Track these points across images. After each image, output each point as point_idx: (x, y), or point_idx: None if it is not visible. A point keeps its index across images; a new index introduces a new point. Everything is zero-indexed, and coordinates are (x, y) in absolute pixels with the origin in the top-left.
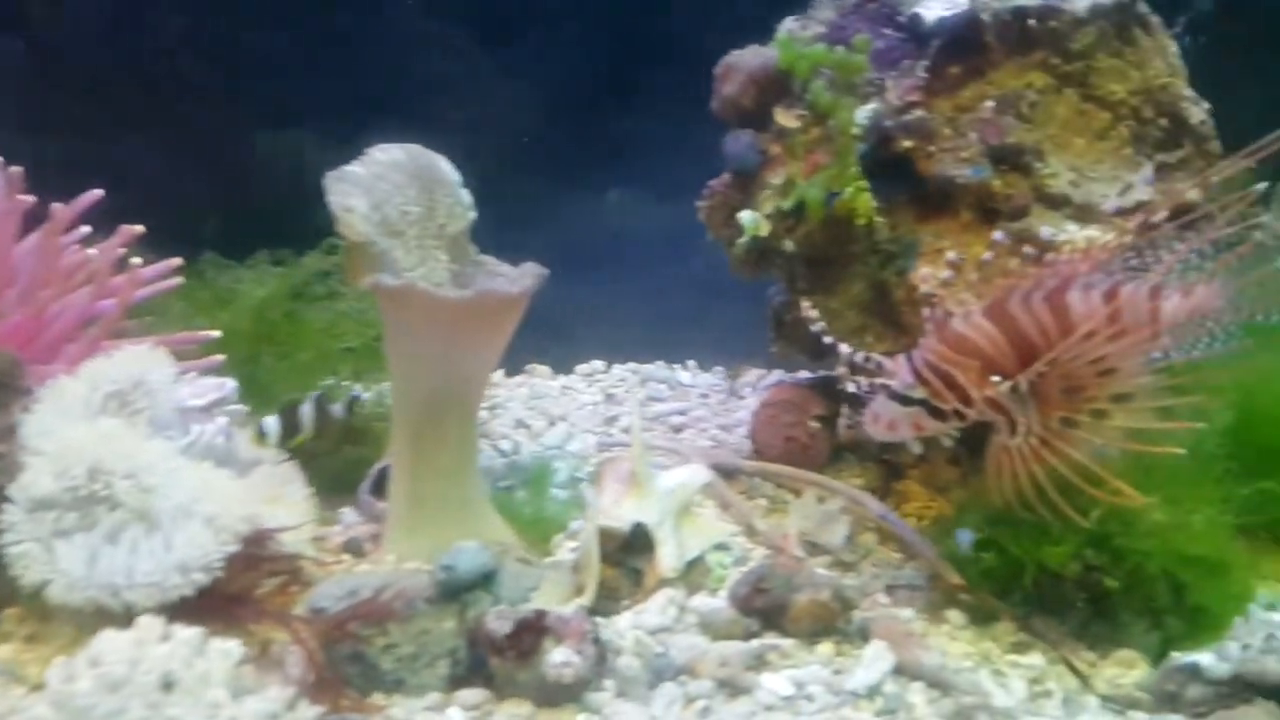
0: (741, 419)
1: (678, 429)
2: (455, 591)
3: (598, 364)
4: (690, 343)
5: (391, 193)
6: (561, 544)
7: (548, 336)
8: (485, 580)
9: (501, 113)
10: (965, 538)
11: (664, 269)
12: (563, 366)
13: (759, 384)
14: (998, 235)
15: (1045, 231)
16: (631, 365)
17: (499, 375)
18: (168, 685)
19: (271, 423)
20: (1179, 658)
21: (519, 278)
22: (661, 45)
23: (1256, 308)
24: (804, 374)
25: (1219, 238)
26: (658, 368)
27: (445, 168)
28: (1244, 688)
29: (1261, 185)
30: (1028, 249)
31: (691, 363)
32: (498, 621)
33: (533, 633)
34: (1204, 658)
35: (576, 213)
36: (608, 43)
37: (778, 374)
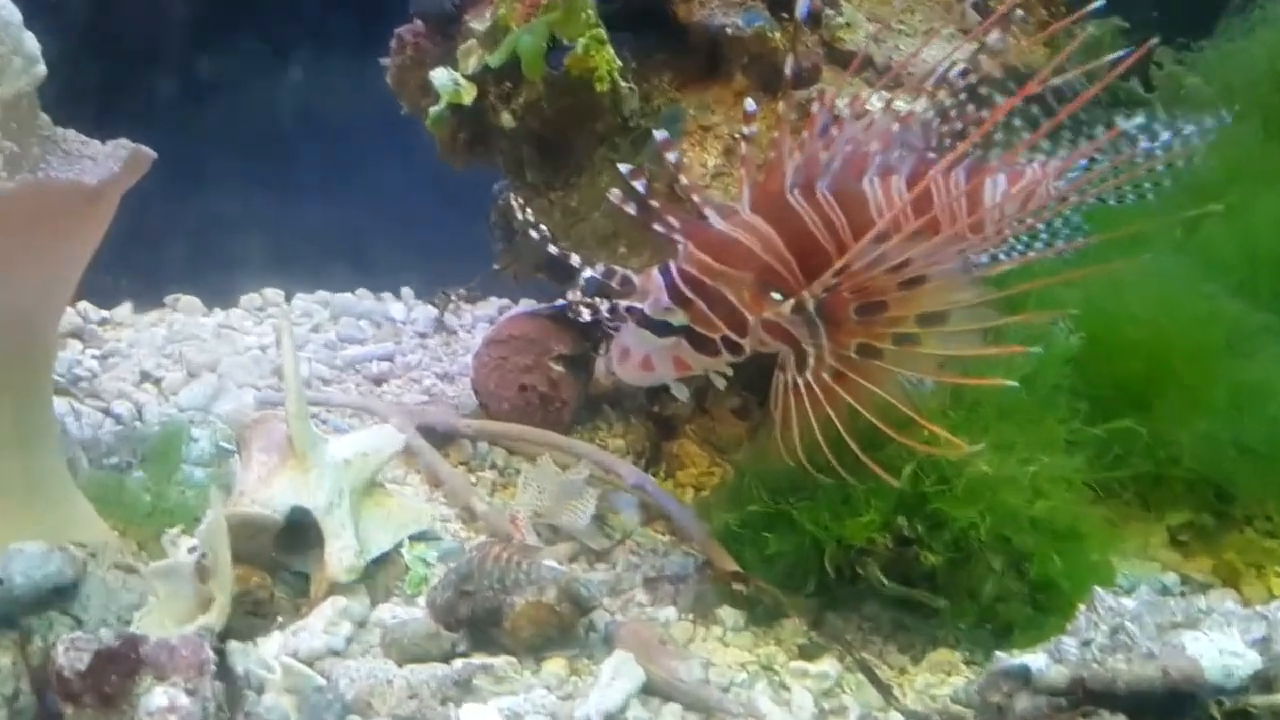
0: (469, 365)
1: (379, 380)
2: (12, 614)
3: (273, 294)
4: (407, 265)
5: None
6: (178, 541)
7: (200, 257)
8: (58, 596)
9: None
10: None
11: (372, 164)
12: (222, 298)
13: (502, 317)
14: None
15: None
16: (322, 295)
17: (125, 311)
18: None
19: None
20: (1004, 659)
21: (104, 161)
22: None
23: (1103, 188)
24: (561, 302)
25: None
26: (358, 298)
27: None
28: (1087, 697)
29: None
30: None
31: (407, 290)
32: (71, 654)
33: (121, 667)
34: (1036, 659)
35: (246, 87)
36: None
37: (529, 303)
